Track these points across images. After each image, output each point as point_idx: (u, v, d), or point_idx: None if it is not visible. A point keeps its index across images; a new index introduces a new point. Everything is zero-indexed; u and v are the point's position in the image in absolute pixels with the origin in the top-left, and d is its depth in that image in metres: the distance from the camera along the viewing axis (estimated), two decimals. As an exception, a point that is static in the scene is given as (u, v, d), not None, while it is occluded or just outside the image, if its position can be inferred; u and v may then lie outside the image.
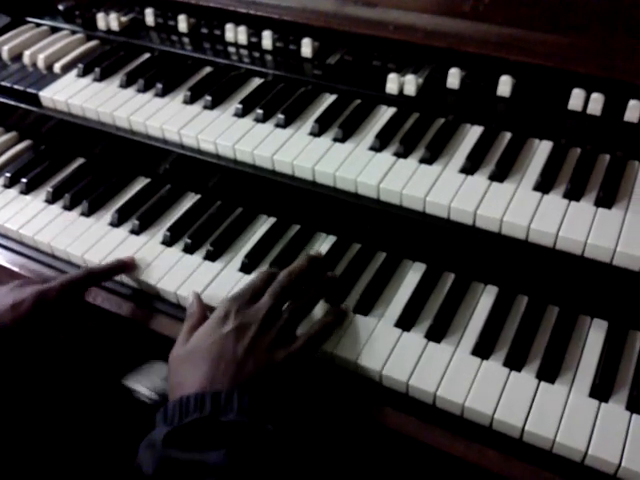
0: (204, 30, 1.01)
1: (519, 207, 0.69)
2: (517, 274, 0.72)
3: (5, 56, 1.04)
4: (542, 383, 0.63)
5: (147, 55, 1.01)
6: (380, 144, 0.79)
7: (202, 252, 0.80)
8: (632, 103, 0.76)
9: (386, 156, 0.78)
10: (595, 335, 0.67)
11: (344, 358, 0.67)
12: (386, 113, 0.85)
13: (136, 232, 0.84)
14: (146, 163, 0.93)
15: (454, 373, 0.64)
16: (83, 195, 0.89)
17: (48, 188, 0.91)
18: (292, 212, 0.84)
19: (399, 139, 0.79)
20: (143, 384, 0.80)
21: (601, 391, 0.62)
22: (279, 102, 0.87)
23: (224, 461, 0.52)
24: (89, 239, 0.84)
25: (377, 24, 0.90)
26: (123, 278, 0.79)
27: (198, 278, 0.77)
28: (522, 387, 0.63)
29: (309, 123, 0.83)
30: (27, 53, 1.02)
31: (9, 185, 0.94)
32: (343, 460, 0.72)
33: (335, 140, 0.81)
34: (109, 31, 1.05)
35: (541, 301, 0.70)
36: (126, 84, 0.94)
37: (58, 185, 0.92)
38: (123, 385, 0.80)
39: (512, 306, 0.71)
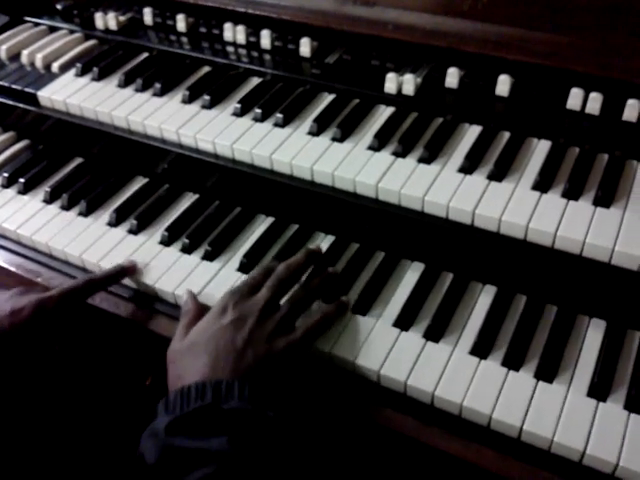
0: (203, 29, 1.01)
1: (517, 206, 0.69)
2: (515, 274, 0.72)
3: (3, 55, 1.03)
4: (540, 383, 0.63)
5: (145, 54, 1.00)
6: (379, 144, 0.79)
7: (200, 252, 0.80)
8: (631, 102, 0.76)
9: (385, 156, 0.78)
10: (593, 334, 0.67)
11: (342, 358, 0.67)
12: (385, 113, 0.85)
13: (134, 232, 0.84)
14: (144, 163, 0.93)
15: (452, 373, 0.64)
16: (81, 195, 0.89)
17: (46, 188, 0.91)
18: (290, 212, 0.84)
19: (398, 139, 0.79)
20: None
21: (599, 390, 0.62)
22: (278, 101, 0.87)
23: (226, 447, 0.53)
24: (87, 239, 0.83)
25: (376, 23, 0.90)
26: (121, 278, 0.79)
27: (196, 278, 0.77)
28: (520, 387, 0.63)
29: (308, 122, 0.83)
30: (25, 52, 1.02)
31: (7, 185, 0.94)
32: (341, 459, 0.72)
33: (334, 140, 0.81)
34: (107, 30, 1.05)
35: (539, 300, 0.70)
36: (124, 84, 0.94)
37: (56, 185, 0.92)
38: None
39: (510, 306, 0.71)
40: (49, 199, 0.90)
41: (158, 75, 0.94)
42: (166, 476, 0.53)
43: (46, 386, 0.80)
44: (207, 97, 0.88)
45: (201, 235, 0.82)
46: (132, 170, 0.94)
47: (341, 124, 0.82)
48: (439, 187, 0.73)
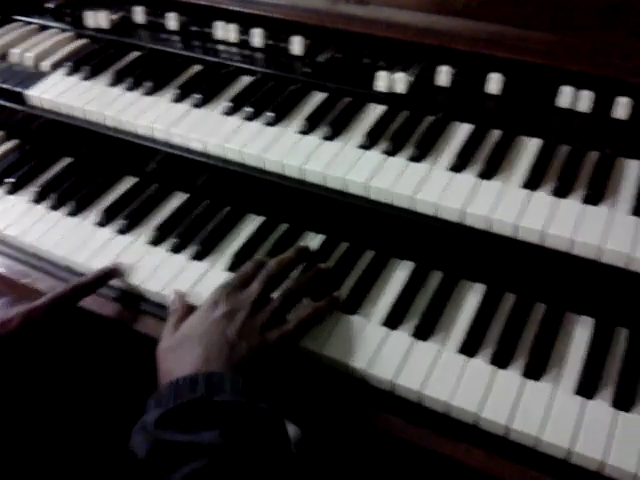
0: (194, 28, 1.01)
1: (507, 204, 0.69)
2: (504, 272, 0.72)
3: (-7, 54, 1.03)
4: (528, 381, 0.63)
5: (137, 53, 1.00)
6: (369, 142, 0.79)
7: (190, 251, 0.80)
8: (621, 100, 0.75)
9: (375, 154, 0.77)
10: (581, 332, 0.67)
11: (330, 357, 0.66)
12: (376, 111, 0.84)
13: (123, 232, 0.84)
14: (134, 162, 0.92)
15: (441, 371, 0.64)
16: (70, 195, 0.89)
17: (35, 188, 0.91)
18: (281, 211, 0.84)
19: (388, 137, 0.79)
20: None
21: (587, 388, 0.61)
22: (269, 100, 0.87)
23: (218, 441, 0.52)
24: (75, 239, 0.83)
25: (369, 22, 0.90)
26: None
27: (185, 277, 0.76)
28: (508, 385, 0.62)
29: (299, 121, 0.83)
30: (15, 51, 1.01)
31: (-5, 185, 0.93)
32: (330, 458, 0.72)
33: (325, 138, 0.80)
34: (98, 29, 1.04)
35: (528, 299, 0.70)
36: (115, 82, 0.93)
37: (45, 185, 0.91)
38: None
39: (499, 304, 0.70)
40: (38, 199, 0.90)
41: (149, 74, 0.93)
42: (156, 471, 0.52)
43: (36, 393, 0.79)
44: (198, 96, 0.88)
45: (190, 234, 0.82)
46: (121, 169, 0.94)
47: (332, 122, 0.81)
48: (429, 185, 0.72)
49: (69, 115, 0.92)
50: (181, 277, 0.76)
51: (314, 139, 0.81)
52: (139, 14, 1.04)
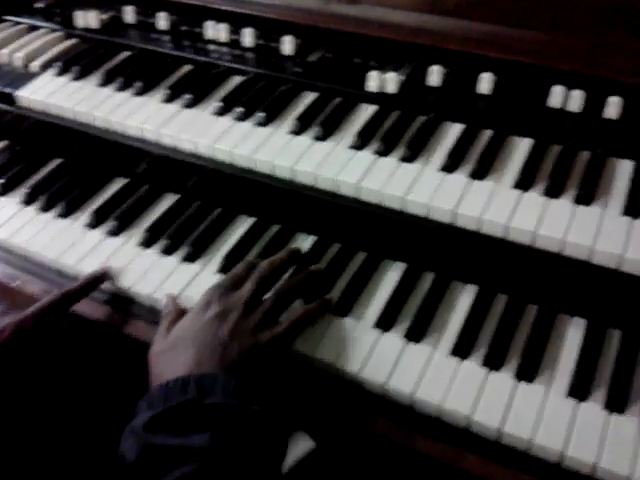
0: (185, 28, 1.00)
1: (499, 205, 0.69)
2: (496, 273, 0.71)
3: (-18, 55, 1.02)
4: (520, 383, 0.62)
5: (127, 53, 0.99)
6: (361, 142, 0.78)
7: (181, 253, 0.79)
8: (612, 99, 0.75)
9: (366, 154, 0.77)
10: (574, 334, 0.67)
11: (322, 360, 0.66)
12: (367, 111, 0.84)
13: (114, 233, 0.83)
14: (124, 163, 0.92)
15: (433, 374, 0.64)
16: (60, 196, 0.88)
17: (24, 189, 0.90)
18: (272, 212, 0.83)
19: (380, 137, 0.78)
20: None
21: (579, 390, 0.61)
22: (259, 100, 0.86)
23: (209, 444, 0.51)
24: (65, 241, 0.82)
25: (361, 21, 0.89)
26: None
27: (177, 280, 0.76)
28: (500, 387, 0.62)
29: (290, 121, 0.82)
30: (4, 52, 1.00)
31: (-16, 187, 0.92)
32: (322, 461, 0.71)
33: (316, 138, 0.80)
34: (88, 29, 1.03)
35: (520, 300, 0.70)
36: (105, 82, 0.93)
37: (34, 186, 0.90)
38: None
39: (491, 305, 0.70)
40: (27, 200, 0.89)
41: (139, 74, 0.93)
42: (146, 475, 0.51)
43: (29, 400, 0.79)
44: (188, 96, 0.87)
45: (181, 236, 0.81)
46: (112, 171, 0.93)
47: (323, 123, 0.81)
48: (421, 186, 0.72)
49: (59, 116, 0.91)
50: (172, 279, 0.76)
51: (305, 139, 0.80)
52: (129, 14, 1.03)
